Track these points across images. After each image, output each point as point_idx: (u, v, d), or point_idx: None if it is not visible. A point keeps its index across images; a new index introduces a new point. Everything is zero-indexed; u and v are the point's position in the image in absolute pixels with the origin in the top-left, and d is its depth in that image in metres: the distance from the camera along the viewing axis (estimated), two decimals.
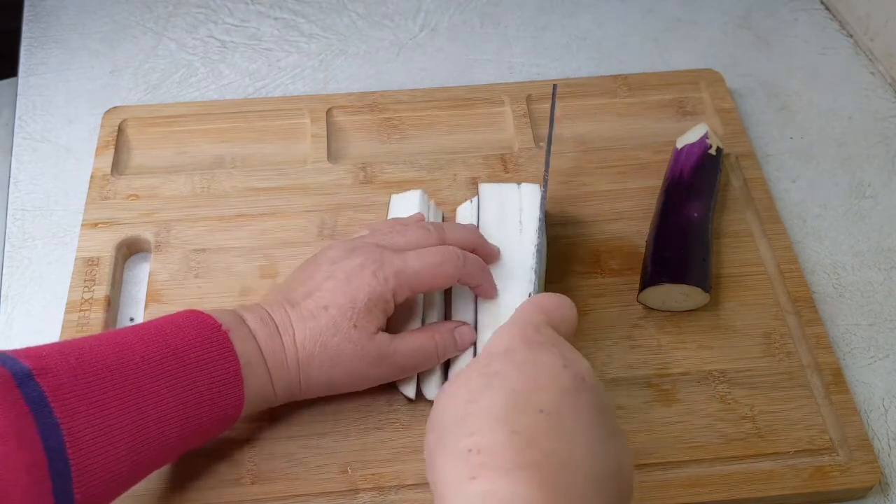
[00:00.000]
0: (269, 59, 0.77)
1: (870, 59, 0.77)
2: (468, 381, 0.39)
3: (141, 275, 0.61)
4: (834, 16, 0.81)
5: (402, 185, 0.65)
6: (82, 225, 0.62)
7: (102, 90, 0.74)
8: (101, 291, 0.58)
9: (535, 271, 0.53)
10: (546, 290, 0.56)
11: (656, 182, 0.64)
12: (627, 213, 0.64)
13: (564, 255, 0.61)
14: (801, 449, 0.52)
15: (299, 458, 0.51)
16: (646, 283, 0.57)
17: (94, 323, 0.56)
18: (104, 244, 0.61)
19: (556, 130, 0.64)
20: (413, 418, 0.53)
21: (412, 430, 0.53)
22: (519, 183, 0.61)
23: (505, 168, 0.66)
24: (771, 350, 0.57)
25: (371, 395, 0.53)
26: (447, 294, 0.57)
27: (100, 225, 0.62)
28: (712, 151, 0.63)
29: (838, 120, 0.73)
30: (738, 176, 0.66)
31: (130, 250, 0.62)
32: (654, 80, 0.73)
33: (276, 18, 0.81)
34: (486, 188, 0.61)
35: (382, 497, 0.50)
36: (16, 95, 0.74)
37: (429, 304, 0.55)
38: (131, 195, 0.64)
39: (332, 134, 0.69)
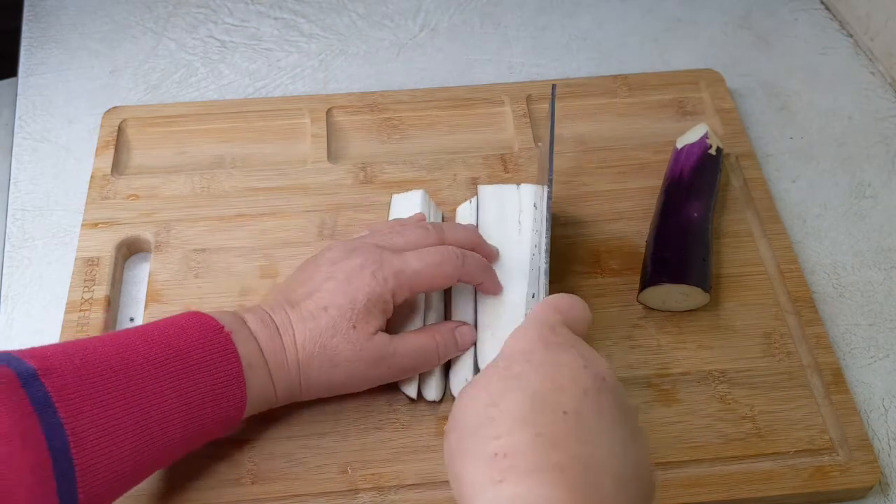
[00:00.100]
0: (269, 59, 0.77)
1: (870, 59, 0.77)
2: (488, 385, 0.39)
3: (141, 275, 0.61)
4: (834, 16, 0.81)
5: (402, 185, 0.65)
6: (82, 225, 0.62)
7: (102, 90, 0.74)
8: (101, 291, 0.58)
9: (546, 272, 0.53)
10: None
11: (656, 182, 0.64)
12: (627, 213, 0.64)
13: (564, 255, 0.61)
14: (801, 449, 0.52)
15: (299, 458, 0.51)
16: (646, 283, 0.57)
17: (94, 323, 0.56)
18: (104, 244, 0.61)
19: (556, 131, 0.64)
20: (413, 418, 0.53)
21: (412, 430, 0.53)
22: (518, 184, 0.61)
23: (505, 168, 0.66)
24: (771, 350, 0.57)
25: (371, 396, 0.53)
26: (447, 294, 0.57)
27: (100, 225, 0.62)
28: (712, 151, 0.63)
29: (838, 120, 0.73)
30: (738, 176, 0.66)
31: (130, 250, 0.62)
32: (654, 80, 0.73)
33: (276, 18, 0.81)
34: (485, 190, 0.61)
35: (382, 497, 0.50)
36: (16, 95, 0.74)
37: (428, 305, 0.55)
38: (131, 195, 0.64)
39: (332, 134, 0.69)
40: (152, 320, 0.55)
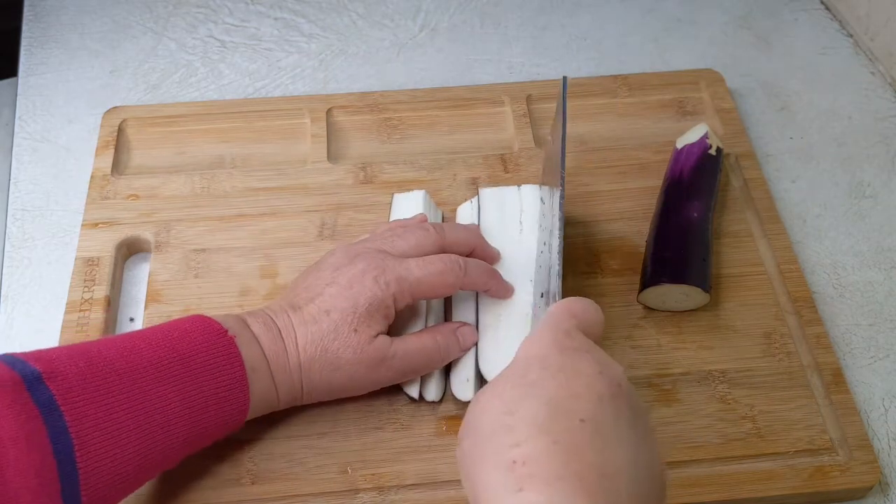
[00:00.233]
0: (269, 59, 0.77)
1: (870, 59, 0.77)
2: (504, 392, 0.39)
3: (141, 275, 0.61)
4: (834, 16, 0.81)
5: (403, 185, 0.65)
6: (82, 225, 0.62)
7: (102, 90, 0.74)
8: (101, 291, 0.58)
9: (559, 273, 0.53)
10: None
11: (656, 182, 0.64)
12: (627, 213, 0.64)
13: (565, 255, 0.61)
14: (801, 449, 0.52)
15: (299, 458, 0.51)
16: (646, 283, 0.57)
17: (94, 323, 0.56)
18: (104, 244, 0.61)
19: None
20: (413, 418, 0.53)
21: (412, 430, 0.53)
22: (519, 184, 0.61)
23: (505, 168, 0.66)
24: (771, 350, 0.57)
25: (371, 396, 0.53)
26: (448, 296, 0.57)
27: (100, 225, 0.62)
28: (712, 151, 0.63)
29: (838, 120, 0.73)
30: (738, 176, 0.66)
31: (130, 250, 0.62)
32: (654, 80, 0.73)
33: (276, 18, 0.81)
34: (486, 192, 0.61)
35: (382, 497, 0.50)
36: (16, 95, 0.74)
37: (429, 307, 0.55)
38: (131, 195, 0.64)
39: (332, 134, 0.69)
40: (152, 320, 0.56)
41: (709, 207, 0.61)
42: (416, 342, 0.52)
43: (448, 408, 0.54)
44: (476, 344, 0.54)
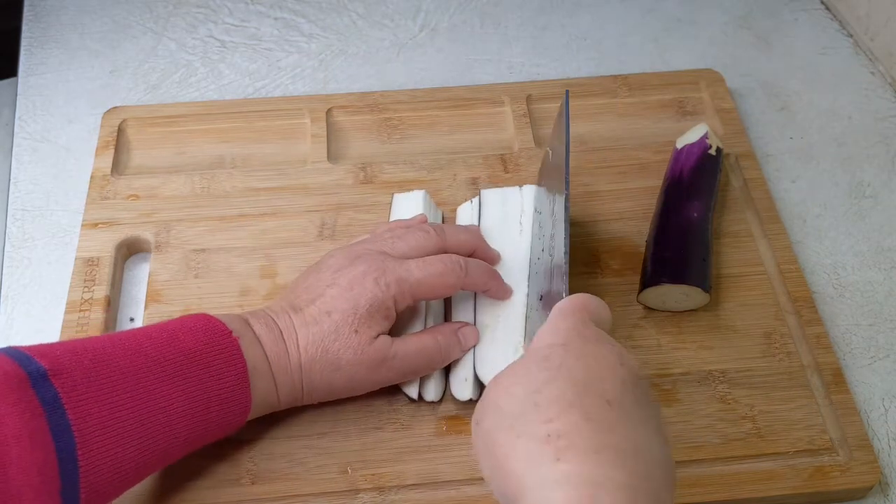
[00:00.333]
0: (269, 59, 0.77)
1: (870, 59, 0.77)
2: (528, 374, 0.40)
3: (141, 275, 0.61)
4: (834, 16, 0.81)
5: (403, 185, 0.65)
6: (82, 225, 0.62)
7: (102, 90, 0.74)
8: (101, 291, 0.58)
9: (567, 273, 0.53)
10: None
11: (656, 182, 0.64)
12: (627, 213, 0.64)
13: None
14: (801, 449, 0.52)
15: (299, 458, 0.51)
16: (646, 283, 0.57)
17: (94, 323, 0.56)
18: (104, 244, 0.61)
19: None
20: (413, 418, 0.53)
21: (413, 430, 0.53)
22: (520, 185, 0.61)
23: (505, 168, 0.66)
24: (771, 350, 0.57)
25: (371, 396, 0.53)
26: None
27: (100, 225, 0.62)
28: (712, 151, 0.63)
29: (838, 120, 0.73)
30: (738, 176, 0.66)
31: (130, 250, 0.62)
32: (654, 80, 0.73)
33: (276, 18, 0.81)
34: (487, 193, 0.61)
35: (382, 497, 0.50)
36: (16, 95, 0.74)
37: (428, 308, 0.55)
38: (131, 195, 0.64)
39: (332, 134, 0.69)
40: (152, 320, 0.56)
41: (709, 207, 0.61)
42: (417, 343, 0.52)
43: (448, 408, 0.54)
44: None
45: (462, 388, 0.53)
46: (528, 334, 0.53)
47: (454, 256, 0.52)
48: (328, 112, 0.69)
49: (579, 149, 0.68)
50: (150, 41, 0.78)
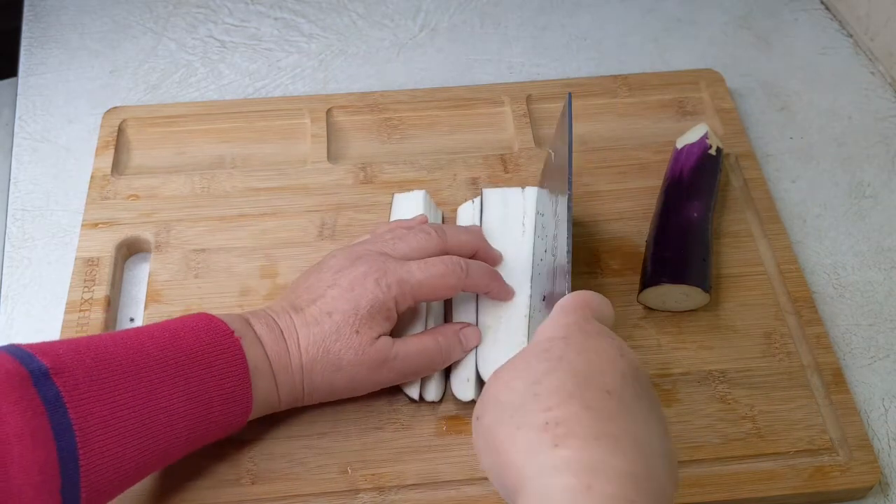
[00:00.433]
0: (269, 59, 0.77)
1: (870, 59, 0.77)
2: (528, 367, 0.40)
3: (141, 275, 0.61)
4: (834, 16, 0.81)
5: (403, 185, 0.65)
6: (82, 225, 0.62)
7: (102, 90, 0.74)
8: (101, 291, 0.58)
9: (569, 273, 0.53)
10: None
11: (656, 182, 0.64)
12: (627, 213, 0.64)
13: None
14: (801, 449, 0.52)
15: (299, 458, 0.51)
16: (646, 283, 0.57)
17: (94, 323, 0.56)
18: (104, 244, 0.61)
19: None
20: (414, 419, 0.53)
21: (413, 430, 0.53)
22: (519, 185, 0.61)
23: (505, 168, 0.66)
24: (771, 350, 0.57)
25: (372, 396, 0.53)
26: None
27: (100, 225, 0.62)
28: (712, 151, 0.63)
29: (838, 120, 0.73)
30: (738, 176, 0.66)
31: (130, 250, 0.62)
32: (654, 80, 0.73)
33: (276, 18, 0.81)
34: (489, 192, 0.61)
35: (382, 497, 0.50)
36: (16, 95, 0.74)
37: (429, 308, 0.55)
38: (131, 195, 0.64)
39: (332, 134, 0.69)
40: (152, 320, 0.56)
41: (709, 207, 0.61)
42: (418, 343, 0.52)
43: (448, 408, 0.54)
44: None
45: (464, 388, 0.53)
46: (531, 335, 0.53)
47: (455, 258, 0.52)
48: (328, 112, 0.69)
49: (579, 149, 0.68)
50: (150, 41, 0.78)
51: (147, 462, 0.45)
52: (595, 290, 0.58)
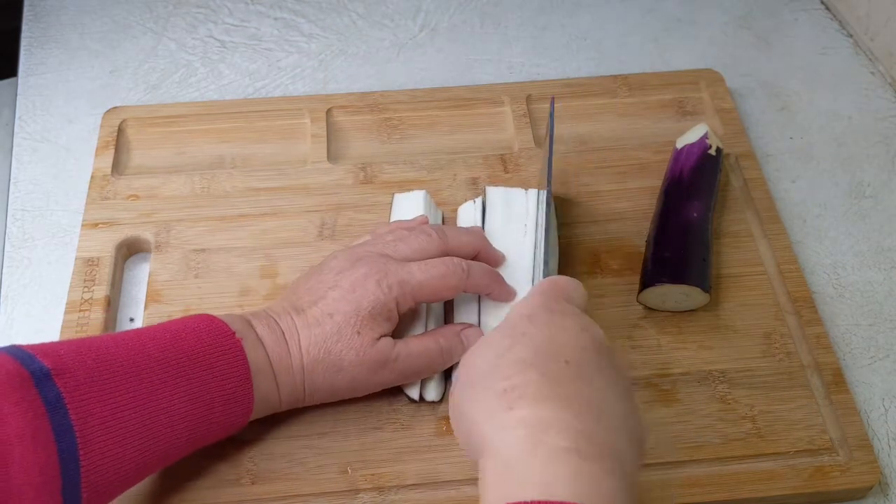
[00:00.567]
0: (269, 59, 0.77)
1: (870, 59, 0.77)
2: (493, 342, 0.43)
3: (141, 275, 0.61)
4: (834, 16, 0.81)
5: (403, 185, 0.65)
6: (82, 225, 0.62)
7: (102, 90, 0.74)
8: (101, 291, 0.58)
9: (547, 263, 0.54)
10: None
11: (656, 182, 0.64)
12: (627, 213, 0.64)
13: (564, 254, 0.61)
14: (801, 449, 0.52)
15: (299, 458, 0.51)
16: (645, 283, 0.57)
17: (94, 323, 0.56)
18: (104, 244, 0.61)
19: (556, 131, 0.64)
20: (414, 419, 0.53)
21: (413, 430, 0.53)
22: (519, 185, 0.61)
23: (505, 168, 0.66)
24: (771, 350, 0.57)
25: (372, 396, 0.53)
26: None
27: (100, 225, 0.62)
28: (712, 151, 0.63)
29: (838, 120, 0.73)
30: (738, 176, 0.66)
31: (130, 250, 0.62)
32: (654, 80, 0.73)
33: (276, 18, 0.81)
34: (493, 191, 0.61)
35: (382, 497, 0.50)
36: (16, 95, 0.74)
37: (429, 309, 0.55)
38: (131, 195, 0.64)
39: (332, 134, 0.69)
40: (152, 320, 0.56)
41: (709, 207, 0.61)
42: (419, 345, 0.52)
43: (448, 408, 0.53)
44: None
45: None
46: None
47: (456, 259, 0.52)
48: (328, 112, 0.69)
49: (579, 149, 0.68)
50: (150, 41, 0.78)
51: (148, 463, 0.45)
52: (595, 290, 0.59)
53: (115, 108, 0.70)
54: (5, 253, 0.63)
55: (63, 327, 0.56)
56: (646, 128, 0.70)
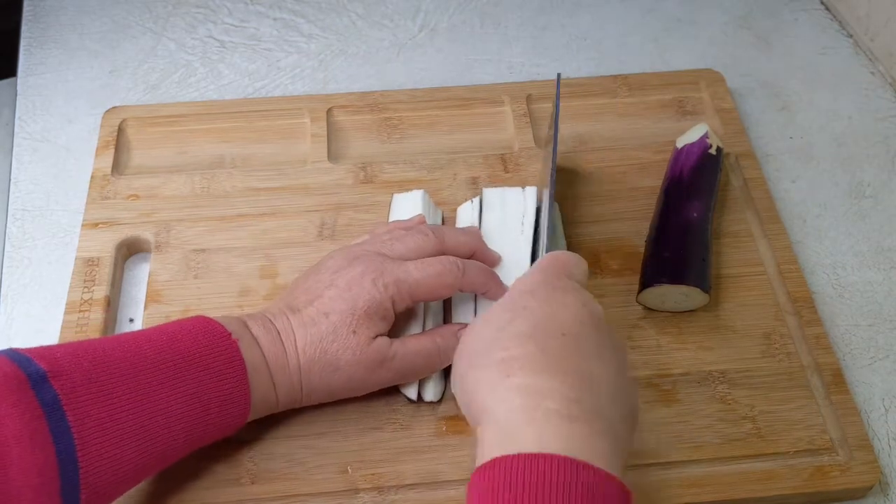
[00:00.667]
0: (268, 59, 0.77)
1: (870, 59, 0.77)
2: (494, 316, 0.44)
3: (141, 275, 0.61)
4: (834, 16, 0.81)
5: (403, 185, 0.65)
6: (82, 225, 0.62)
7: (102, 90, 0.74)
8: (101, 291, 0.58)
9: (546, 245, 0.55)
10: None
11: (656, 182, 0.64)
12: (627, 213, 0.64)
13: None
14: (801, 449, 0.52)
15: (299, 458, 0.51)
16: (645, 283, 0.57)
17: (94, 323, 0.56)
18: (104, 244, 0.61)
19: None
20: (413, 419, 0.53)
21: (412, 430, 0.53)
22: (519, 184, 0.61)
23: (505, 168, 0.66)
24: (771, 350, 0.57)
25: (371, 396, 0.53)
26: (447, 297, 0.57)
27: (100, 225, 0.62)
28: (712, 151, 0.63)
29: (838, 120, 0.73)
30: (738, 176, 0.66)
31: (130, 250, 0.62)
32: (654, 80, 0.73)
33: (275, 18, 0.81)
34: (489, 192, 0.61)
35: (382, 497, 0.50)
36: (16, 95, 0.74)
37: (427, 309, 0.55)
38: (131, 195, 0.64)
39: (332, 134, 0.69)
40: (152, 320, 0.56)
41: (709, 207, 0.61)
42: (416, 344, 0.52)
43: (448, 408, 0.54)
44: None
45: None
46: None
47: (452, 257, 0.52)
48: (328, 112, 0.69)
49: (579, 149, 0.68)
50: (150, 41, 0.78)
51: (146, 464, 0.45)
52: (595, 290, 0.59)
53: (114, 107, 0.70)
54: (5, 253, 0.63)
55: (63, 327, 0.56)
56: (646, 128, 0.70)
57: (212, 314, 0.49)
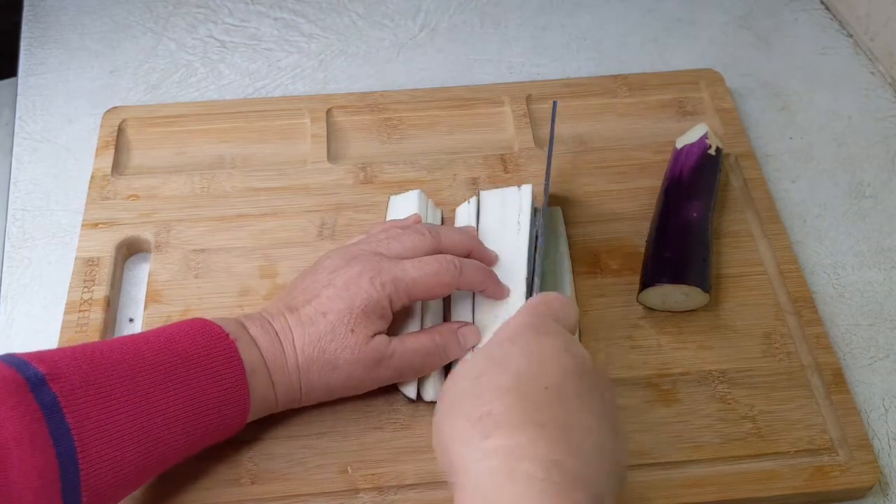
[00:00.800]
0: (269, 59, 0.77)
1: (870, 59, 0.77)
2: (476, 364, 0.43)
3: (141, 275, 0.61)
4: (834, 16, 0.81)
5: (403, 185, 0.65)
6: (82, 225, 0.62)
7: (102, 90, 0.74)
8: (101, 292, 0.58)
9: (536, 273, 0.54)
10: (547, 289, 0.56)
11: (656, 182, 0.64)
12: (627, 213, 0.64)
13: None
14: (802, 449, 0.52)
15: (299, 458, 0.51)
16: (645, 283, 0.57)
17: (94, 323, 0.56)
18: (104, 244, 0.61)
19: (556, 130, 0.64)
20: (413, 418, 0.53)
21: (412, 430, 0.53)
22: (519, 185, 0.61)
23: (505, 168, 0.66)
24: (771, 350, 0.57)
25: (370, 396, 0.53)
26: (445, 296, 0.57)
27: (100, 225, 0.62)
28: (712, 151, 0.63)
29: (838, 120, 0.73)
30: (738, 176, 0.66)
31: (130, 250, 0.62)
32: (654, 80, 0.73)
33: (275, 18, 0.81)
34: (485, 195, 0.61)
35: (382, 497, 0.50)
36: (16, 95, 0.74)
37: (426, 307, 0.55)
38: (131, 195, 0.64)
39: (332, 134, 0.69)
40: (152, 320, 0.56)
41: (709, 207, 0.61)
42: (415, 342, 0.52)
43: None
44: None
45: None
46: None
47: (449, 256, 0.53)
48: (328, 112, 0.69)
49: (579, 149, 0.68)
50: (150, 41, 0.78)
51: (147, 465, 0.45)
52: (595, 290, 0.59)
53: (115, 108, 0.70)
54: (5, 253, 0.63)
55: (63, 327, 0.56)
56: (646, 128, 0.70)
57: (212, 314, 0.49)
